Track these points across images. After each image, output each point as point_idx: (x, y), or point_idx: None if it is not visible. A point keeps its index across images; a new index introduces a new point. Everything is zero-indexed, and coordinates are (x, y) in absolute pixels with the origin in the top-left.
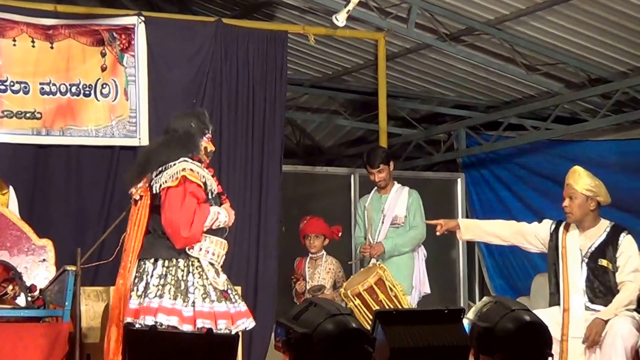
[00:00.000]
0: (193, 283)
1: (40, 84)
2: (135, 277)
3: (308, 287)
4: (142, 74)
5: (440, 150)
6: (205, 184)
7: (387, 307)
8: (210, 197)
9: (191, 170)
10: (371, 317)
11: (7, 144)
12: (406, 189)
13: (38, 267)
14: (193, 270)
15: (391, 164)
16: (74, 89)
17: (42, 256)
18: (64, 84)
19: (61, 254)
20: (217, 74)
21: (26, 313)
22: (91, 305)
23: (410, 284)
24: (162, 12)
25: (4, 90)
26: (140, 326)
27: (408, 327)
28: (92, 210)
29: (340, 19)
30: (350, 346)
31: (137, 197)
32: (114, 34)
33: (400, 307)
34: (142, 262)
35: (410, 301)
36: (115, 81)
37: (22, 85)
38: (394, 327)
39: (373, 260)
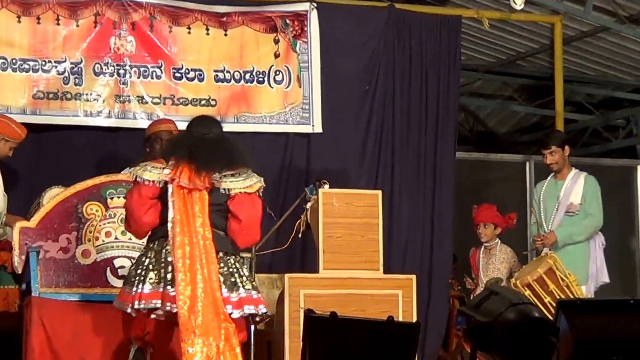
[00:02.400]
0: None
1: (215, 71)
2: (223, 268)
3: (483, 279)
4: (314, 61)
5: (618, 136)
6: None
7: (558, 297)
8: None
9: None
10: (542, 308)
11: None
12: (583, 174)
13: None
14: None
15: (566, 148)
16: (247, 76)
17: None
18: (238, 71)
19: None
20: (390, 60)
21: None
22: (266, 293)
23: (585, 273)
24: None
25: (179, 78)
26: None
27: (592, 318)
28: (267, 197)
29: (519, 1)
30: (532, 336)
31: (200, 187)
32: (287, 20)
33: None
34: (225, 255)
35: (585, 291)
36: (288, 68)
37: (197, 72)
38: (577, 317)
39: (546, 250)
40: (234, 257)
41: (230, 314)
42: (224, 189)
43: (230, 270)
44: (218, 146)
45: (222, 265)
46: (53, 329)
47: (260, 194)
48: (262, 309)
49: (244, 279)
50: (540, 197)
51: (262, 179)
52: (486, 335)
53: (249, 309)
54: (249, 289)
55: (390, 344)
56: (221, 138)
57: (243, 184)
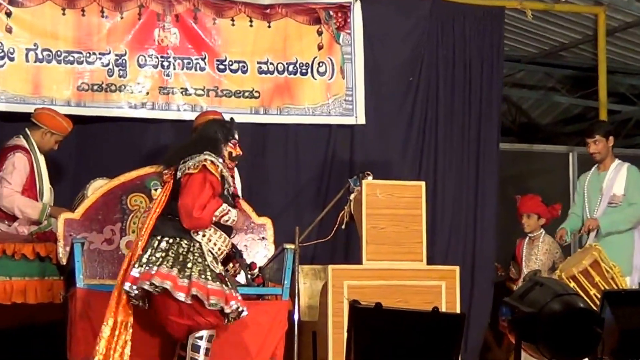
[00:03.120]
0: (192, 260)
1: (258, 63)
2: (142, 250)
3: (525, 270)
4: (358, 53)
5: None
6: (223, 178)
7: (603, 289)
8: (225, 193)
9: (212, 162)
10: (587, 300)
11: None
12: (626, 165)
13: (257, 245)
14: (194, 250)
15: (610, 138)
16: (291, 68)
17: (261, 234)
18: (281, 63)
19: (279, 232)
20: (433, 52)
21: (246, 290)
22: (309, 284)
23: (630, 265)
24: None
25: (223, 70)
26: (140, 291)
27: (637, 309)
28: (310, 188)
29: None
30: (578, 327)
31: (163, 183)
32: (330, 12)
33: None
34: (150, 239)
35: (629, 283)
36: (331, 59)
37: (241, 64)
38: (623, 308)
39: (590, 241)
40: (168, 239)
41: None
42: (179, 176)
43: (152, 251)
44: (184, 141)
45: (148, 247)
46: (98, 320)
47: (209, 169)
48: (145, 284)
49: (159, 257)
50: (584, 189)
51: (212, 156)
52: (531, 326)
53: (142, 284)
54: (152, 266)
55: (435, 335)
56: (197, 132)
57: (186, 167)
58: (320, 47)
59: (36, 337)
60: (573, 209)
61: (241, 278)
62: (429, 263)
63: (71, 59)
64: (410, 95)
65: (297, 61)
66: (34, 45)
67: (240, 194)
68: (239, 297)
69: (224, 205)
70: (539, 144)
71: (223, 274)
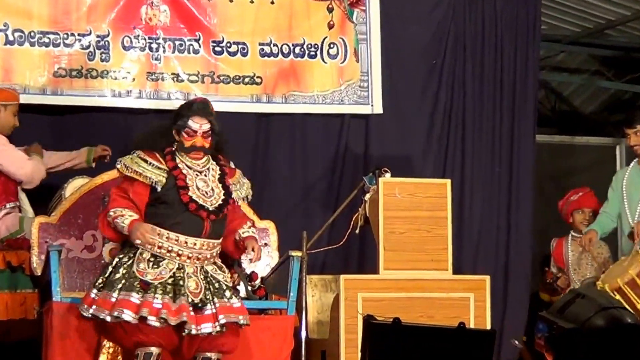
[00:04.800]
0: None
1: (260, 44)
2: None
3: (573, 276)
4: (374, 32)
5: None
6: (143, 176)
7: None
8: (160, 190)
9: (124, 164)
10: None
11: (224, 113)
12: None
13: None
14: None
15: None
16: (297, 50)
17: (263, 240)
18: (286, 44)
19: (284, 237)
20: (460, 31)
21: (247, 304)
22: (319, 296)
23: None
24: None
25: (220, 53)
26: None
27: None
28: (320, 187)
29: None
30: (625, 344)
31: None
32: None
33: None
34: None
35: None
36: (343, 40)
37: (240, 46)
38: None
39: (636, 247)
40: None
41: None
42: None
43: None
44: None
45: None
46: (77, 339)
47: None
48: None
49: None
50: (622, 186)
51: (132, 155)
52: (571, 344)
53: None
54: None
55: (462, 355)
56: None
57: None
58: (330, 26)
59: (7, 358)
60: (605, 208)
61: (240, 290)
62: (455, 272)
63: (46, 40)
64: (434, 80)
65: (304, 42)
66: (4, 26)
67: (244, 194)
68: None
69: (116, 209)
70: (582, 136)
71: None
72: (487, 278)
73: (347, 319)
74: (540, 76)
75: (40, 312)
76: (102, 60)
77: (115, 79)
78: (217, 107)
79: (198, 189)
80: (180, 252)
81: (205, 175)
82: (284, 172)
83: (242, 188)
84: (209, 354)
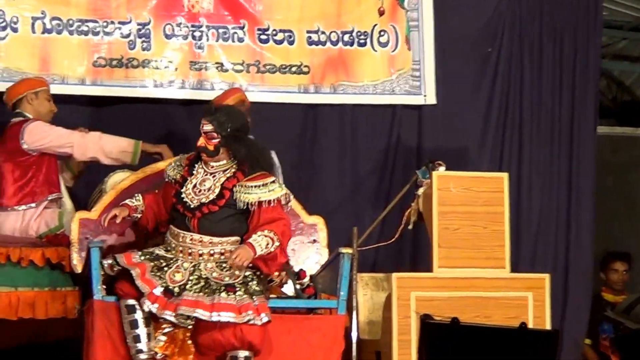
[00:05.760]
0: None
1: (307, 32)
2: None
3: None
4: (426, 19)
5: None
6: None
7: None
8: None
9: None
10: None
11: (270, 104)
12: None
13: (308, 249)
14: None
15: None
16: (346, 38)
17: (312, 236)
18: (335, 32)
19: (334, 233)
20: (516, 18)
21: (294, 303)
22: (370, 295)
23: None
24: None
25: (265, 41)
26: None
27: None
28: (370, 181)
29: None
30: None
31: None
32: None
33: None
34: None
35: None
36: (395, 27)
37: (287, 34)
38: None
39: None
40: None
41: None
42: None
43: None
44: None
45: None
46: (120, 338)
47: None
48: None
49: None
50: None
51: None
52: (639, 345)
53: None
54: None
55: (523, 356)
56: None
57: None
58: (381, 13)
59: (46, 359)
60: None
61: (289, 288)
62: (513, 270)
63: (85, 29)
64: (489, 69)
65: (353, 30)
66: (42, 14)
67: (258, 198)
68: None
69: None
70: None
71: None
72: (547, 276)
73: (400, 319)
74: (601, 65)
75: (81, 310)
76: (143, 49)
77: (157, 68)
78: (263, 97)
79: (194, 186)
80: (174, 245)
81: (215, 176)
82: (333, 165)
83: (262, 191)
84: (235, 352)
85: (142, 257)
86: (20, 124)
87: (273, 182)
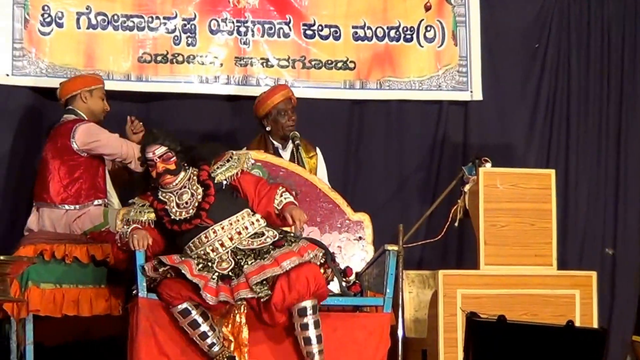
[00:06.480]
0: None
1: (353, 27)
2: None
3: None
4: (473, 14)
5: None
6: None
7: None
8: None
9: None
10: None
11: (315, 100)
12: None
13: (353, 246)
14: None
15: None
16: (392, 33)
17: (358, 233)
18: (381, 27)
19: (380, 230)
20: (564, 13)
21: (340, 301)
22: (416, 293)
23: None
24: None
25: (311, 36)
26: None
27: None
28: (416, 177)
29: None
30: None
31: None
32: None
33: None
34: None
35: None
36: (441, 23)
37: (332, 29)
38: None
39: None
40: None
41: None
42: None
43: None
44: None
45: None
46: (165, 336)
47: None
48: None
49: None
50: None
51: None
52: None
53: None
54: None
55: (570, 354)
56: None
57: None
58: (428, 8)
59: (91, 356)
60: None
61: (334, 286)
62: (560, 268)
63: (130, 24)
64: (537, 65)
65: (400, 25)
66: (87, 9)
67: (238, 168)
68: None
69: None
70: None
71: None
72: (594, 274)
73: (446, 316)
74: None
75: (125, 308)
76: (188, 45)
77: (202, 64)
78: (309, 93)
79: (178, 205)
80: (202, 253)
81: (187, 187)
82: (379, 161)
83: (228, 165)
84: (303, 304)
85: (183, 257)
86: (72, 123)
87: (231, 155)
